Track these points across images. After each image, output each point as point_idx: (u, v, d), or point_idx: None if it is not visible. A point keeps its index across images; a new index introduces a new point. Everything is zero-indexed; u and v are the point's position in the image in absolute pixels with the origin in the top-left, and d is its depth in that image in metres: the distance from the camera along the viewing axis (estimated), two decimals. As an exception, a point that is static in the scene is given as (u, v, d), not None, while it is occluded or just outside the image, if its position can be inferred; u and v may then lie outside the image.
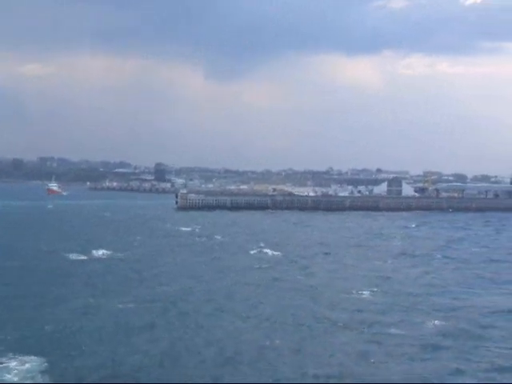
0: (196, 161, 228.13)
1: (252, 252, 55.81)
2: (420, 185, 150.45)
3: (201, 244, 63.55)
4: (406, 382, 19.53)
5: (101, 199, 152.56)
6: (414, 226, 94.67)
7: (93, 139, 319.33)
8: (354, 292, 37.20)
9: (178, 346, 25.64)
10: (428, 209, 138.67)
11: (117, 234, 70.88)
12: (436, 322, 29.99)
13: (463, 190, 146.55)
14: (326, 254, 56.55)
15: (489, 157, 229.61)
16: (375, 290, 38.07)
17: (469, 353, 25.16)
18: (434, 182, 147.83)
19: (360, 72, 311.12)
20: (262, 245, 59.17)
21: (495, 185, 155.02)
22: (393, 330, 28.29)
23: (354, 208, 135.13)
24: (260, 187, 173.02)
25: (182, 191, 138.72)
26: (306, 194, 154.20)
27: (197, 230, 78.21)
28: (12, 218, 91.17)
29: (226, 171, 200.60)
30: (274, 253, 54.78)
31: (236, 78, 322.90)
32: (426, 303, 34.73)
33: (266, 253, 54.88)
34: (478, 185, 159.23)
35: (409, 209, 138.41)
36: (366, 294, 36.95)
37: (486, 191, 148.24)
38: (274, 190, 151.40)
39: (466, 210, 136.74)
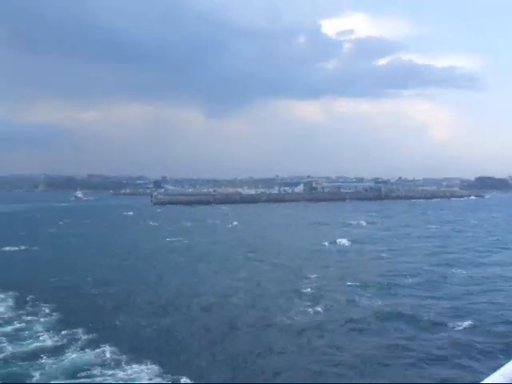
0: (193, 173, 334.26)
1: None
2: (313, 185, 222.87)
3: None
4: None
5: (108, 201, 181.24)
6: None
7: (123, 160, 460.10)
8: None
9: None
10: (316, 200, 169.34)
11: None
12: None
13: (340, 187, 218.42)
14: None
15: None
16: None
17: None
18: (321, 183, 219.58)
19: (309, 112, 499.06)
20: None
21: (364, 184, 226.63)
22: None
23: (268, 201, 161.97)
24: (223, 190, 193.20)
25: (154, 193, 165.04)
26: (248, 193, 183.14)
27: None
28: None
29: (208, 180, 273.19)
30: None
31: (226, 117, 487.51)
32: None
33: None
34: (352, 184, 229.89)
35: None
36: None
37: (356, 187, 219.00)
38: (215, 191, 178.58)
39: (343, 199, 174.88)
